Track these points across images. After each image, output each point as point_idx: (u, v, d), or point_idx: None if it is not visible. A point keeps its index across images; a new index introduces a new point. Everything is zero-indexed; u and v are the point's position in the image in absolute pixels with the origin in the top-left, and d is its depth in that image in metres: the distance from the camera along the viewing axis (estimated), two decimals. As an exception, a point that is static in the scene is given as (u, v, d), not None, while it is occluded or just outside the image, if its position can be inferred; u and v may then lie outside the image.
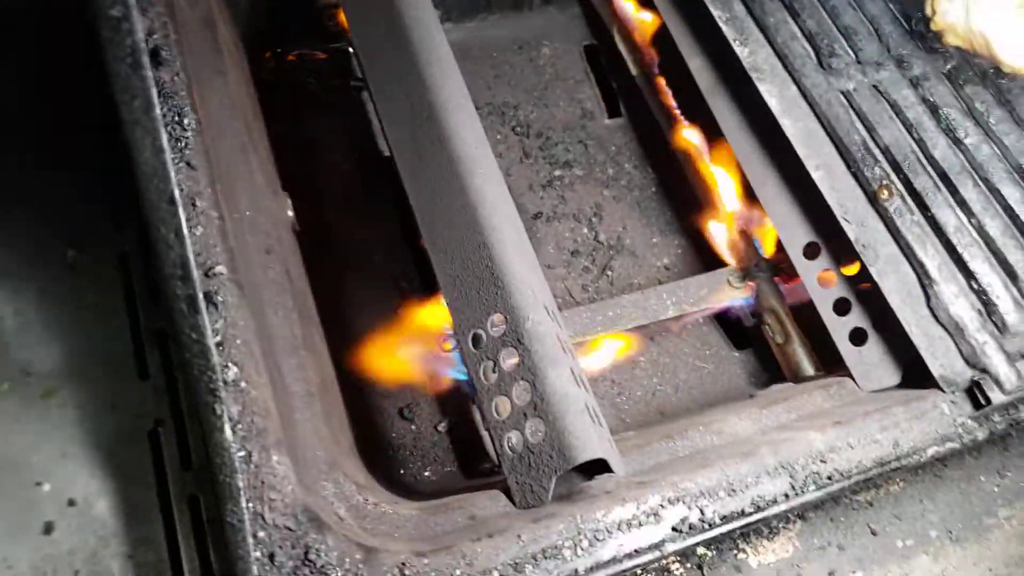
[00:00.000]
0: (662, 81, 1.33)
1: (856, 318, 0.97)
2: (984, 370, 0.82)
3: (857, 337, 0.96)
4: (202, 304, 0.63)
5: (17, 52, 0.91)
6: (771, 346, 1.14)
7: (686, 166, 1.29)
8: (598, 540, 0.69)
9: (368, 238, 1.22)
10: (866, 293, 0.96)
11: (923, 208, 0.91)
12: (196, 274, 0.64)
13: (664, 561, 0.71)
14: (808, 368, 1.08)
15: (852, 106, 0.98)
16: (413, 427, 1.11)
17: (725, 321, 1.22)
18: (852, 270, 0.98)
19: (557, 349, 0.80)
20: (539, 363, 0.78)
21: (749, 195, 1.16)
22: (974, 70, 1.03)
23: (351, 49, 1.32)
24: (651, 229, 1.30)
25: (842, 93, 0.98)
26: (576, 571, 0.68)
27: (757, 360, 1.20)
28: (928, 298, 0.86)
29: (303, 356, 0.83)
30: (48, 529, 0.69)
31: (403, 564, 0.66)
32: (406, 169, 0.93)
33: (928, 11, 1.04)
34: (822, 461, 0.76)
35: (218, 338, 0.66)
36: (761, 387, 1.15)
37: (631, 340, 1.17)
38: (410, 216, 0.93)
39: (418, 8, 1.00)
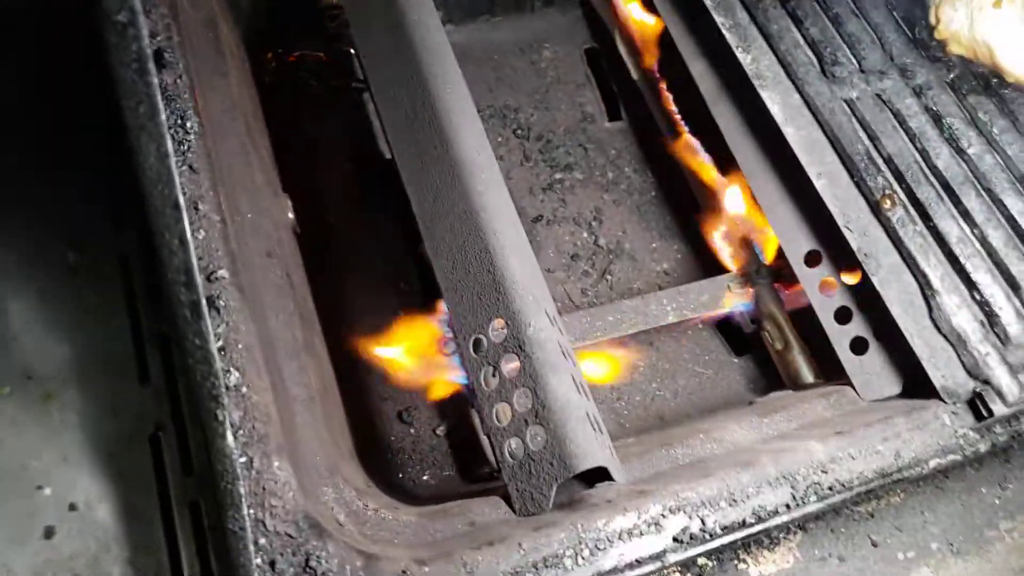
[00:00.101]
0: (663, 85, 1.33)
1: (857, 327, 0.97)
2: (986, 381, 0.82)
3: (858, 346, 0.96)
4: (205, 309, 0.63)
5: (17, 52, 0.91)
6: (770, 353, 1.14)
7: (686, 170, 1.29)
8: (599, 549, 0.69)
9: (368, 239, 1.22)
10: (867, 302, 0.96)
11: (926, 218, 0.91)
12: (199, 279, 0.64)
13: (665, 571, 0.71)
14: (807, 375, 1.08)
15: (855, 115, 0.98)
16: (412, 430, 1.11)
17: (725, 327, 1.22)
18: (853, 278, 0.98)
19: (558, 356, 0.80)
20: (540, 370, 0.78)
21: (750, 201, 1.16)
22: (977, 80, 1.03)
23: (352, 50, 1.32)
24: (651, 233, 1.30)
25: (845, 102, 0.98)
26: (577, 580, 0.68)
27: (756, 366, 1.20)
28: (930, 308, 0.86)
29: (304, 360, 0.83)
30: (49, 534, 0.69)
31: (403, 572, 0.66)
32: (408, 173, 0.93)
33: (932, 20, 1.04)
34: (823, 471, 0.76)
35: (220, 343, 0.65)
36: (760, 393, 1.15)
37: (618, 362, 1.17)
38: (410, 218, 0.93)
39: (420, 11, 0.99)
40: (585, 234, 1.29)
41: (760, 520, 0.72)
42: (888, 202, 0.88)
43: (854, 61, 1.03)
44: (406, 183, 0.93)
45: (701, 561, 0.72)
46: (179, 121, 0.70)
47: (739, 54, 1.01)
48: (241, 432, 0.64)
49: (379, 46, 1.00)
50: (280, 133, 1.15)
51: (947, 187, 0.93)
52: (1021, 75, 1.00)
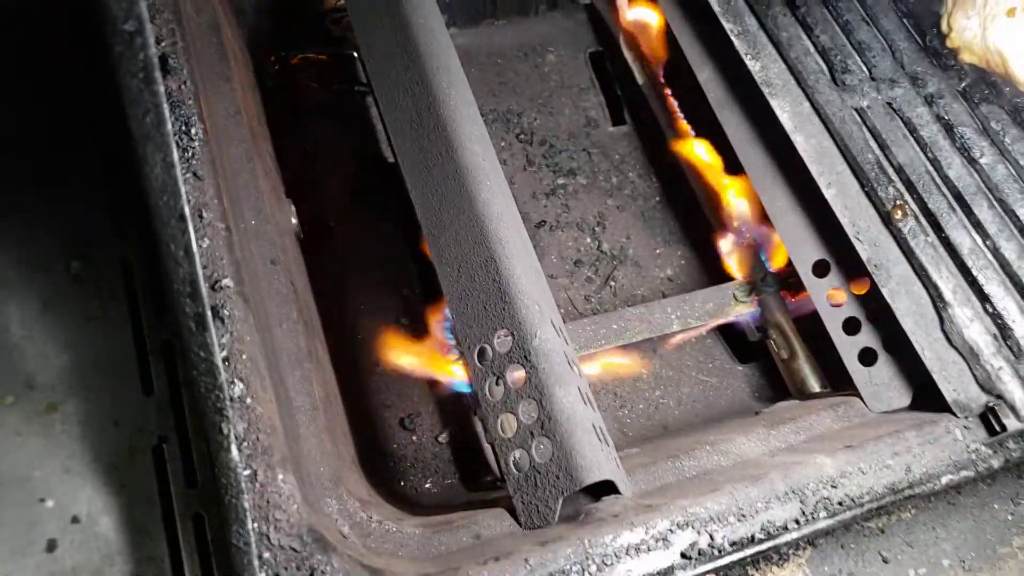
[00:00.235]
0: (668, 90, 1.32)
1: (866, 338, 0.96)
2: (999, 396, 0.81)
3: (866, 357, 0.96)
4: (210, 322, 0.62)
5: (17, 55, 0.89)
6: (776, 361, 1.14)
7: (691, 176, 1.28)
8: (606, 565, 0.68)
9: (371, 243, 1.21)
10: (876, 313, 0.95)
11: (937, 229, 0.90)
12: (204, 290, 0.63)
13: (673, 586, 0.70)
14: (814, 384, 1.08)
15: (866, 124, 0.97)
16: (414, 437, 1.10)
17: (729, 334, 1.21)
18: (861, 288, 0.98)
19: (564, 367, 0.79)
20: (546, 381, 0.77)
21: (757, 208, 1.15)
22: (990, 88, 1.02)
23: (355, 53, 1.31)
24: (655, 239, 1.30)
25: (856, 110, 0.97)
26: (584, 596, 0.67)
27: (761, 375, 1.20)
28: (942, 321, 0.85)
29: (307, 368, 0.82)
30: (51, 547, 0.68)
31: (409, 587, 0.65)
32: (412, 180, 0.92)
33: (944, 28, 1.03)
34: (833, 486, 0.75)
35: (224, 353, 0.64)
36: (766, 402, 1.14)
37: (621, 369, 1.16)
38: (413, 223, 0.92)
39: (424, 14, 0.98)
40: (588, 240, 1.28)
41: (770, 536, 0.72)
42: (899, 212, 0.87)
43: (865, 69, 1.02)
44: (410, 189, 0.92)
45: (710, 577, 0.72)
46: (184, 128, 0.69)
47: (748, 61, 1.00)
48: (245, 444, 0.63)
49: (383, 50, 0.99)
50: (283, 137, 1.14)
51: (959, 197, 0.93)
52: (1033, 84, 0.99)
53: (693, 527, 0.71)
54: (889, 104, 0.99)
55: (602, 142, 1.37)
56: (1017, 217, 0.92)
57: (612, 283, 1.25)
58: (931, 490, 0.77)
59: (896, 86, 1.00)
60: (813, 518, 0.73)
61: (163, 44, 0.71)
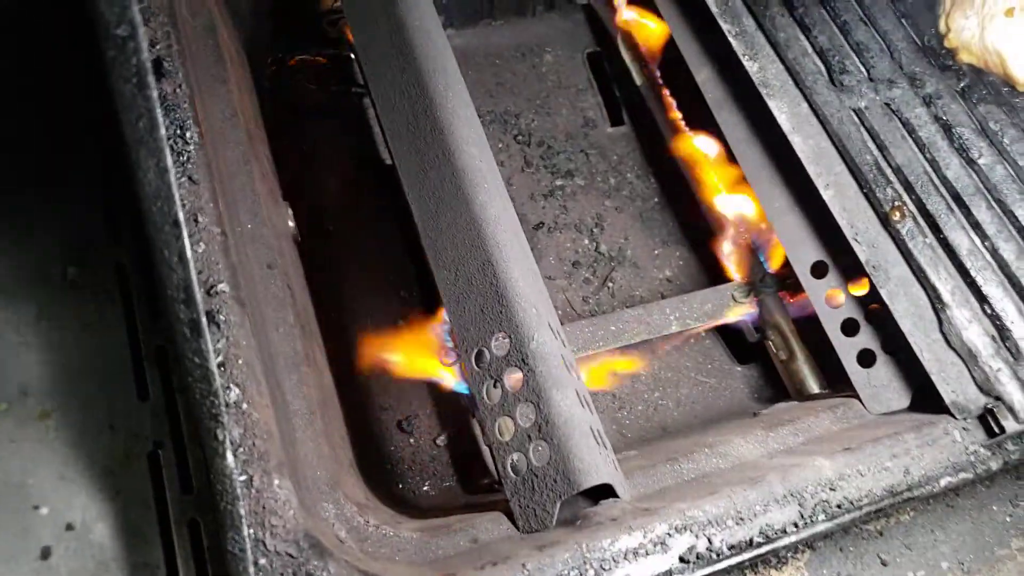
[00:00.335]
0: (666, 91, 1.32)
1: (864, 339, 0.96)
2: (998, 398, 0.81)
3: (865, 359, 0.95)
4: (205, 328, 0.62)
5: (16, 57, 0.89)
6: (775, 362, 1.13)
7: (690, 177, 1.28)
8: (604, 570, 0.68)
9: (368, 247, 1.21)
10: (874, 314, 0.95)
11: (936, 230, 0.89)
12: (199, 296, 0.62)
13: (671, 591, 0.70)
14: (813, 385, 1.07)
15: (864, 124, 0.97)
16: (412, 440, 1.09)
17: (728, 335, 1.21)
18: (860, 290, 0.97)
19: (562, 370, 0.79)
20: (544, 384, 0.77)
21: (755, 209, 1.14)
22: (988, 88, 1.02)
23: (352, 55, 1.31)
24: (653, 240, 1.29)
25: (854, 111, 0.97)
26: (582, 601, 0.67)
27: (760, 375, 1.19)
28: (940, 322, 0.85)
29: (304, 372, 0.82)
30: (46, 554, 0.67)
31: (406, 592, 0.65)
32: (409, 183, 0.92)
33: (942, 28, 1.03)
34: (831, 489, 0.75)
35: (220, 358, 0.64)
36: (764, 403, 1.14)
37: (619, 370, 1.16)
38: (411, 225, 0.91)
39: (421, 15, 0.98)
40: (587, 241, 1.28)
41: (768, 539, 0.71)
42: (898, 214, 0.87)
43: (863, 70, 1.02)
44: (407, 192, 0.92)
45: (708, 581, 0.71)
46: (179, 131, 0.69)
47: (746, 62, 1.00)
48: (241, 450, 0.63)
49: (379, 52, 0.99)
50: (280, 139, 1.13)
51: (957, 198, 0.92)
52: (1032, 84, 0.99)
53: (691, 531, 0.71)
54: (887, 104, 0.99)
55: (600, 143, 1.37)
56: (1016, 218, 0.92)
57: (610, 284, 1.25)
58: (930, 492, 0.76)
59: (894, 86, 1.00)
60: (812, 521, 0.73)
61: (158, 47, 0.70)
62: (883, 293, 0.88)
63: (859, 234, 0.90)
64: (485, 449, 1.07)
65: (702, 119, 1.20)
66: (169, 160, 0.63)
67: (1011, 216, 0.92)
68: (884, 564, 0.75)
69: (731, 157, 1.11)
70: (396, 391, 1.11)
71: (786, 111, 0.97)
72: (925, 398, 0.87)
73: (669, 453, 0.89)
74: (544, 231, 1.28)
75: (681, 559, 0.70)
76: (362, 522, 0.76)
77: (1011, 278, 0.88)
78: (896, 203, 0.89)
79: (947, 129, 0.97)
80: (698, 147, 1.27)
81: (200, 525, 0.70)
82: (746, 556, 0.71)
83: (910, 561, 0.76)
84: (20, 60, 0.91)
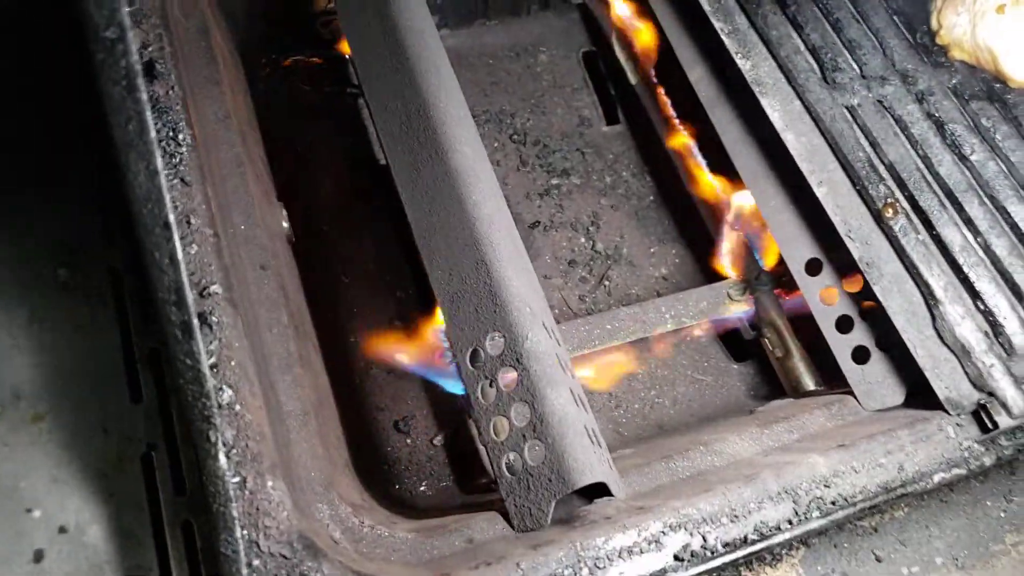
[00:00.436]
0: (661, 90, 1.32)
1: (859, 336, 0.96)
2: (991, 393, 0.81)
3: (859, 355, 0.95)
4: (196, 330, 0.62)
5: (15, 58, 0.89)
6: (771, 360, 1.13)
7: (685, 176, 1.28)
8: (599, 568, 0.68)
9: (364, 247, 1.21)
10: (869, 311, 0.95)
11: (928, 227, 0.89)
12: (190, 298, 0.62)
13: (666, 589, 0.70)
14: (809, 383, 1.07)
15: (857, 122, 0.97)
16: (408, 440, 1.09)
17: (724, 333, 1.21)
18: (854, 287, 0.97)
19: (556, 369, 0.79)
20: (538, 383, 0.77)
21: (750, 207, 1.14)
22: (980, 85, 1.02)
23: (347, 55, 1.30)
24: (649, 239, 1.30)
25: (847, 108, 0.97)
26: (577, 600, 0.67)
27: (757, 373, 1.19)
28: (933, 319, 0.85)
29: (298, 373, 0.82)
30: (39, 557, 0.67)
31: (400, 593, 0.65)
32: (403, 182, 0.92)
33: (934, 25, 1.03)
34: (826, 486, 0.75)
35: (212, 360, 0.64)
36: (761, 400, 1.14)
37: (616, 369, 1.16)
38: (407, 225, 0.91)
39: (414, 16, 0.98)
40: (583, 240, 1.28)
41: (762, 537, 0.71)
42: (890, 211, 0.87)
43: (855, 67, 1.02)
44: (401, 192, 0.92)
45: (702, 579, 0.71)
46: (171, 134, 0.69)
47: (738, 60, 1.00)
48: (234, 452, 0.63)
49: (373, 53, 0.99)
50: (275, 140, 1.13)
51: (950, 195, 0.92)
52: (1024, 80, 0.99)
53: (686, 528, 0.71)
54: (880, 102, 0.99)
55: (595, 142, 1.37)
56: (1008, 214, 0.92)
57: (606, 283, 1.25)
58: (924, 488, 0.76)
59: (887, 84, 1.00)
60: (806, 518, 0.73)
61: (150, 49, 0.70)
62: (876, 290, 0.88)
63: (852, 231, 0.90)
64: (482, 449, 1.07)
65: (697, 118, 1.20)
66: (159, 162, 0.63)
67: (1003, 212, 0.92)
68: (879, 560, 0.75)
69: (725, 155, 1.11)
70: (392, 391, 1.11)
71: (779, 109, 0.97)
72: (919, 394, 0.87)
73: (664, 451, 0.89)
74: (540, 230, 1.28)
75: (676, 557, 0.70)
76: (357, 523, 0.76)
77: (1003, 274, 0.88)
78: (889, 200, 0.89)
79: (939, 126, 0.98)
80: (691, 146, 1.27)
81: (193, 527, 0.70)
82: (740, 553, 0.71)
83: (904, 557, 0.76)
84: (20, 60, 0.91)
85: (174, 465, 0.72)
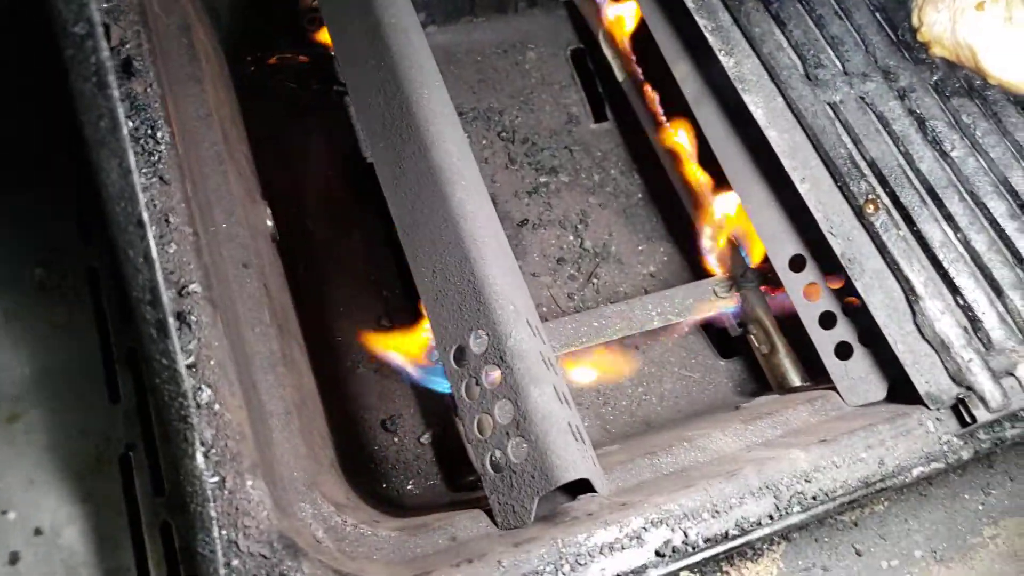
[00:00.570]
0: (648, 87, 1.32)
1: (842, 332, 0.96)
2: (969, 388, 0.81)
3: (842, 351, 0.96)
4: (172, 328, 0.62)
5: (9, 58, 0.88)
6: (757, 356, 1.14)
7: (672, 173, 1.28)
8: (580, 565, 0.68)
9: (350, 245, 1.21)
10: (852, 307, 0.96)
11: (909, 223, 0.90)
12: (166, 297, 0.62)
13: (647, 584, 0.70)
14: (794, 378, 1.08)
15: (839, 118, 0.97)
16: (396, 439, 1.09)
17: (711, 330, 1.21)
18: (837, 283, 0.98)
19: (540, 366, 0.79)
20: (521, 381, 0.76)
21: (736, 204, 1.15)
22: (960, 82, 1.02)
23: (332, 53, 1.30)
24: (637, 236, 1.30)
25: (829, 105, 0.97)
26: (558, 596, 0.67)
27: (744, 369, 1.20)
28: (914, 314, 0.85)
29: (281, 372, 0.81)
30: (13, 559, 0.67)
31: (381, 591, 0.65)
32: (386, 181, 0.92)
33: (915, 22, 1.03)
34: (807, 481, 0.75)
35: (191, 359, 0.64)
36: (748, 396, 1.14)
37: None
38: (393, 223, 0.91)
39: (397, 13, 0.98)
40: (571, 237, 1.28)
41: (743, 532, 0.72)
42: (871, 207, 0.87)
43: (837, 64, 1.02)
44: (384, 190, 0.92)
45: (683, 575, 0.72)
46: (150, 131, 0.68)
47: (722, 57, 1.00)
48: (213, 451, 0.63)
49: (355, 49, 0.98)
50: (260, 137, 1.13)
51: (931, 191, 0.93)
52: (1004, 77, 0.99)
53: (667, 524, 0.71)
54: (862, 98, 0.99)
55: (584, 139, 1.37)
56: (987, 210, 0.92)
57: (595, 280, 1.25)
58: (903, 482, 0.77)
59: (868, 80, 1.00)
60: (787, 513, 0.73)
61: (128, 46, 0.70)
62: (858, 286, 0.89)
63: (834, 227, 0.91)
64: (470, 447, 1.06)
65: (682, 115, 1.21)
66: (132, 160, 0.62)
67: (983, 208, 0.93)
68: (859, 554, 0.76)
69: (711, 152, 1.11)
70: (379, 390, 1.11)
71: (762, 106, 0.97)
72: (901, 389, 0.87)
73: (649, 447, 0.89)
74: (528, 228, 1.28)
75: (657, 553, 0.70)
76: (340, 522, 0.76)
77: (983, 269, 0.88)
78: (870, 196, 0.89)
79: (921, 122, 0.98)
80: (678, 143, 1.27)
81: (172, 528, 0.70)
82: (721, 549, 0.71)
83: (884, 551, 0.76)
84: (20, 60, 0.90)
85: (153, 466, 0.72)
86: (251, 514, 0.63)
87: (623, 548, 0.70)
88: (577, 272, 1.26)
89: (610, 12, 1.37)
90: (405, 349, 1.11)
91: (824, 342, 0.97)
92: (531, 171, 1.33)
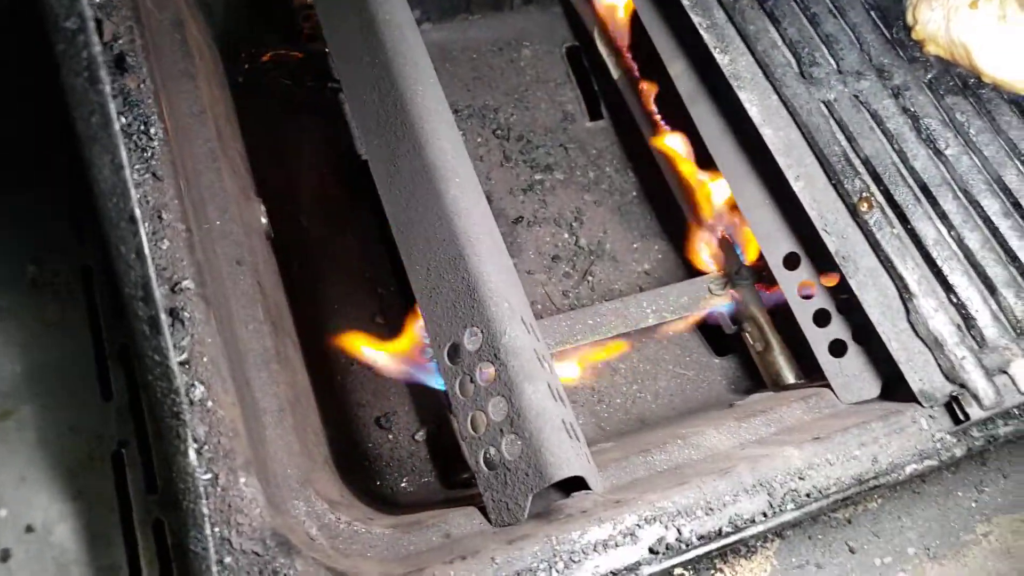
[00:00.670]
0: (644, 84, 1.32)
1: (836, 329, 0.96)
2: (963, 385, 0.82)
3: (837, 348, 0.96)
4: (164, 325, 0.61)
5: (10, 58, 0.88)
6: (752, 354, 1.14)
7: (667, 171, 1.28)
8: (573, 562, 0.68)
9: (345, 243, 1.20)
10: (846, 305, 0.96)
11: (903, 220, 0.90)
12: (158, 294, 0.62)
13: (641, 581, 0.70)
14: (789, 376, 1.08)
15: (833, 116, 0.97)
16: (390, 436, 1.09)
17: (706, 327, 1.22)
18: (831, 281, 0.98)
19: (534, 364, 0.79)
20: (515, 378, 0.76)
21: (731, 202, 1.15)
22: (955, 80, 1.02)
23: (327, 49, 1.30)
24: (632, 234, 1.30)
25: (823, 103, 0.98)
26: (551, 594, 0.67)
27: (738, 367, 1.20)
28: (908, 312, 0.85)
29: (275, 370, 0.81)
30: (5, 556, 0.67)
31: (374, 588, 0.65)
32: (381, 178, 0.91)
33: (909, 20, 1.03)
34: (800, 478, 0.75)
35: (184, 356, 0.63)
36: (742, 394, 1.15)
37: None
38: (387, 220, 0.91)
39: (392, 10, 0.98)
40: (566, 235, 1.28)
41: (737, 529, 0.72)
42: (865, 205, 0.87)
43: (832, 62, 1.02)
44: (379, 187, 0.92)
45: (677, 572, 0.72)
46: (142, 127, 0.68)
47: (716, 55, 1.00)
48: (206, 448, 0.63)
49: (350, 46, 0.98)
50: (255, 134, 1.13)
51: (924, 189, 0.93)
52: (998, 76, 0.99)
53: (661, 521, 0.71)
54: (856, 96, 0.99)
55: (579, 137, 1.37)
56: (981, 208, 0.92)
57: (590, 278, 1.25)
58: (897, 480, 0.77)
59: (863, 78, 1.00)
60: (781, 510, 0.74)
61: (121, 42, 0.69)
62: (852, 284, 0.89)
63: (829, 225, 0.91)
64: (464, 444, 1.06)
65: (677, 112, 1.20)
66: (124, 156, 0.62)
67: (976, 206, 0.93)
68: (852, 552, 0.76)
69: (706, 150, 1.11)
70: (374, 387, 1.11)
71: (756, 103, 0.97)
72: (894, 387, 0.88)
73: (643, 445, 0.89)
74: (524, 225, 1.28)
75: (650, 550, 0.70)
76: (333, 519, 0.75)
77: (976, 267, 0.88)
78: (864, 194, 0.89)
79: (915, 120, 0.98)
80: (673, 141, 1.27)
81: (165, 525, 0.70)
82: (715, 546, 0.71)
83: (877, 548, 0.76)
84: (20, 60, 0.89)
85: (145, 463, 0.72)
86: (244, 511, 0.63)
87: (617, 545, 0.70)
88: (572, 270, 1.26)
89: (605, 9, 1.37)
90: (399, 347, 1.11)
91: (818, 340, 0.97)
92: (526, 169, 1.33)
